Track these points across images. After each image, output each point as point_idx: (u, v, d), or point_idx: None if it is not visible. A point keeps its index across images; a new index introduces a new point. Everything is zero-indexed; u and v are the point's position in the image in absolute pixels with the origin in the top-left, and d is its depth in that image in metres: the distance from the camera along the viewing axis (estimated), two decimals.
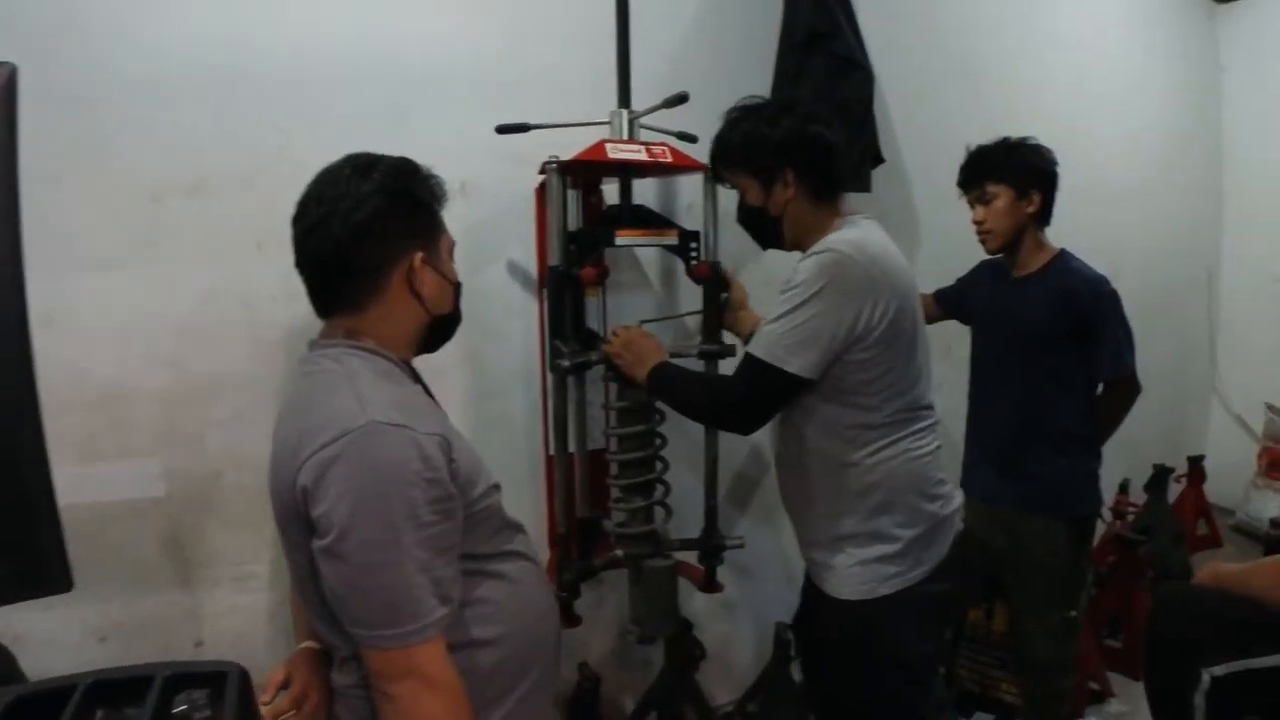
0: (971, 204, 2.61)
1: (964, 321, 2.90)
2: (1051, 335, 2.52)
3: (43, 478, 1.44)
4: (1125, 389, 2.61)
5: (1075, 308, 2.48)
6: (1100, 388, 2.63)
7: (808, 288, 1.74)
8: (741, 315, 2.39)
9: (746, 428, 1.98)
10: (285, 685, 1.48)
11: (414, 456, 1.23)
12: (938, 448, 1.97)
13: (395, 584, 1.21)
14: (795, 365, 1.75)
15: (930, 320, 2.90)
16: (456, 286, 1.54)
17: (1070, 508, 2.62)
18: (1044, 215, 2.57)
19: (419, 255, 1.41)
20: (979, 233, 2.61)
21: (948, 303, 2.94)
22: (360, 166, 1.39)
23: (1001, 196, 2.52)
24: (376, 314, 1.41)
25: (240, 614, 2.14)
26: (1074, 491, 2.62)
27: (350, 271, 1.38)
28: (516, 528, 1.52)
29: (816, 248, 1.81)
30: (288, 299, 2.06)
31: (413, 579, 1.22)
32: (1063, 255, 2.60)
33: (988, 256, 2.72)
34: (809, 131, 1.89)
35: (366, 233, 1.35)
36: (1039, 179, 2.53)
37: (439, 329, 1.53)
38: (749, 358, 1.82)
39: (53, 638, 1.94)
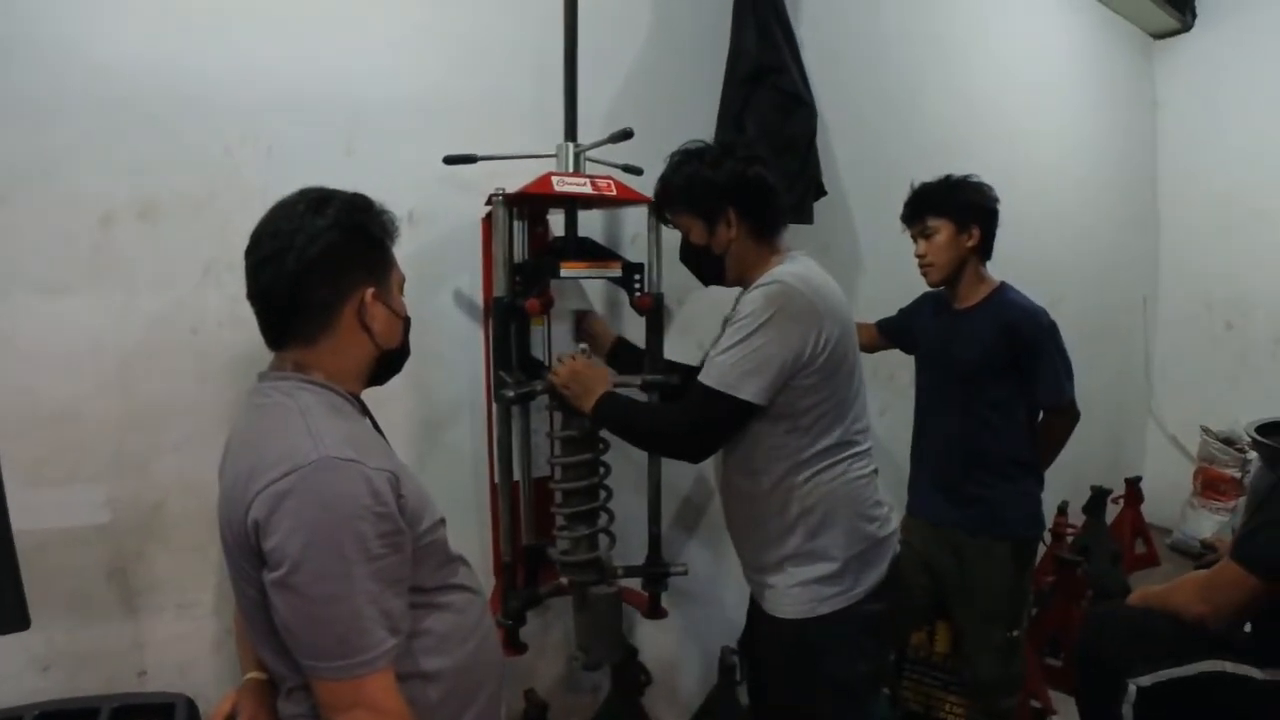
0: (914, 238, 2.67)
1: (907, 351, 2.96)
2: (992, 367, 2.58)
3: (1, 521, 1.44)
4: (1065, 417, 2.69)
5: (1014, 340, 2.55)
6: (1041, 415, 2.70)
7: (757, 317, 1.80)
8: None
9: (698, 456, 2.01)
10: (232, 717, 1.48)
11: (365, 491, 1.25)
12: (874, 471, 2.02)
13: (346, 616, 1.23)
14: (748, 392, 1.81)
15: (874, 349, 2.98)
16: (406, 321, 1.56)
17: (1014, 531, 2.67)
18: (984, 249, 2.65)
19: (370, 291, 1.43)
20: (921, 266, 2.67)
21: (891, 333, 3.00)
22: (315, 201, 1.40)
23: (942, 231, 2.59)
24: (327, 347, 1.42)
25: (185, 642, 2.11)
26: (1016, 516, 2.68)
27: (302, 305, 1.39)
28: (460, 560, 1.54)
29: (762, 280, 1.87)
30: (235, 325, 2.04)
31: (363, 611, 1.24)
32: (1002, 288, 2.67)
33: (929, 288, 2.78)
34: (750, 174, 1.95)
35: (321, 268, 1.37)
36: (978, 214, 2.60)
37: (388, 363, 1.54)
38: (700, 387, 1.86)
39: None
